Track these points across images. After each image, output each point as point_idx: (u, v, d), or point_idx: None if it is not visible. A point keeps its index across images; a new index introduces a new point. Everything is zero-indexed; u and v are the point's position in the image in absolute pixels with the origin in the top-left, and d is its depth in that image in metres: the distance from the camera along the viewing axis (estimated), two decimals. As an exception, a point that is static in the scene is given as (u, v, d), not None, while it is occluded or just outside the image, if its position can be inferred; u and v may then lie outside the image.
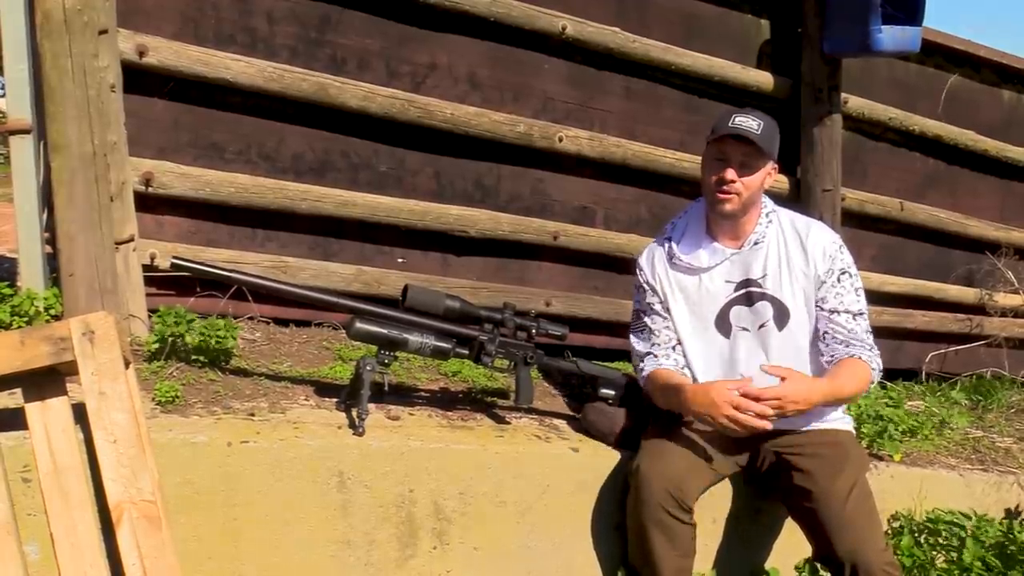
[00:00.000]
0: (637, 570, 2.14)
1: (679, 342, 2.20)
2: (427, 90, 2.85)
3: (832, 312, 2.13)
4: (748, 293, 2.15)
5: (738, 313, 2.16)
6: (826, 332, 2.14)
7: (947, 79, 3.93)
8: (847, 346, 2.12)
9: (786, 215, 2.21)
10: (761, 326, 2.15)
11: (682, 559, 2.07)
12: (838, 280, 2.13)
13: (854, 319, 2.13)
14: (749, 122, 2.03)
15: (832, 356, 2.13)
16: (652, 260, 2.25)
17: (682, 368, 2.18)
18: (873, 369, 2.11)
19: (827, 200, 3.47)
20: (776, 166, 2.15)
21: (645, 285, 2.24)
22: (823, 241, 2.15)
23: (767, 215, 2.18)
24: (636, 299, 2.29)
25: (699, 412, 2.00)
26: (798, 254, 2.15)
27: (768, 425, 1.95)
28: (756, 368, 2.11)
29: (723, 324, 2.17)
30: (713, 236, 2.18)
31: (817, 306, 2.14)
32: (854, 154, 3.63)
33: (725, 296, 2.16)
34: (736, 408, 1.93)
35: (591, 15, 3.04)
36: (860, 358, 2.09)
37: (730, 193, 2.06)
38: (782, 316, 2.14)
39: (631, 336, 2.29)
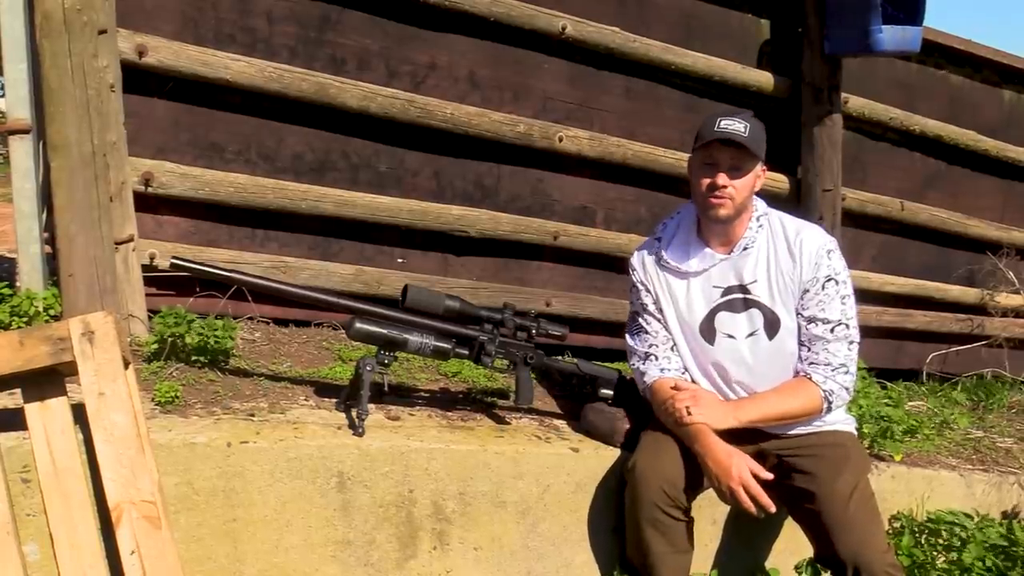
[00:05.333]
0: (636, 567, 2.14)
1: (675, 343, 2.19)
2: (427, 90, 2.85)
3: (810, 320, 2.08)
4: (737, 300, 2.12)
5: (724, 320, 2.12)
6: (801, 340, 2.11)
7: (948, 79, 3.93)
8: (809, 364, 2.09)
9: (777, 218, 2.16)
10: (751, 334, 2.11)
11: (679, 556, 2.07)
12: (822, 288, 2.07)
13: (831, 331, 2.06)
14: (736, 125, 2.00)
15: (798, 367, 2.12)
16: (643, 260, 2.23)
17: (683, 373, 2.17)
18: (825, 391, 2.07)
19: (827, 200, 3.47)
20: (765, 167, 2.13)
21: (639, 284, 2.23)
22: (812, 247, 2.08)
23: (758, 219, 2.13)
24: (631, 299, 2.28)
25: (712, 469, 1.98)
26: (787, 260, 2.09)
27: (766, 512, 1.95)
28: (744, 373, 2.12)
29: (708, 330, 2.14)
30: (704, 240, 2.16)
31: (797, 312, 2.09)
32: (854, 154, 3.63)
33: (712, 302, 2.13)
34: (744, 488, 1.93)
35: (591, 15, 3.04)
36: (811, 378, 2.08)
37: (723, 198, 2.03)
38: (772, 325, 2.10)
39: (627, 336, 2.27)
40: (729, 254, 2.13)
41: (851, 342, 2.09)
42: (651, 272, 2.21)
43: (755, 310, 2.11)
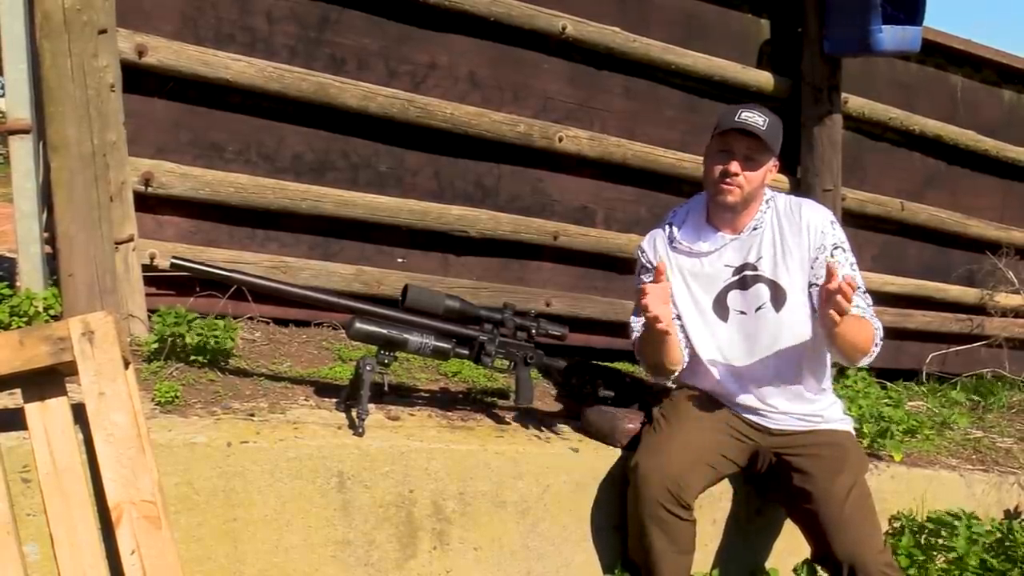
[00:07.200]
0: (638, 566, 2.14)
1: (678, 317, 2.19)
2: (427, 90, 2.85)
3: None
4: (745, 277, 2.16)
5: (735, 297, 2.17)
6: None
7: (948, 79, 3.93)
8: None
9: (782, 199, 2.22)
10: (758, 308, 2.15)
11: (681, 556, 2.07)
12: (831, 255, 2.11)
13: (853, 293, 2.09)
14: (755, 117, 2.06)
15: None
16: (654, 242, 2.27)
17: (683, 346, 2.17)
18: (876, 330, 2.08)
19: (827, 200, 3.46)
20: (777, 163, 2.17)
21: (648, 264, 2.25)
22: (815, 217, 2.15)
23: (766, 202, 2.19)
24: (637, 281, 2.29)
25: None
26: (792, 233, 2.14)
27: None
28: (753, 350, 2.14)
29: (720, 308, 2.18)
30: (714, 225, 2.20)
31: (814, 284, 2.11)
32: (854, 154, 3.63)
33: (723, 281, 2.17)
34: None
35: (591, 15, 3.04)
36: (864, 317, 2.07)
37: (732, 185, 2.09)
38: (779, 298, 2.14)
39: (633, 316, 2.26)
40: (739, 235, 2.17)
41: (869, 304, 2.12)
42: (661, 253, 2.24)
43: (761, 284, 2.15)
